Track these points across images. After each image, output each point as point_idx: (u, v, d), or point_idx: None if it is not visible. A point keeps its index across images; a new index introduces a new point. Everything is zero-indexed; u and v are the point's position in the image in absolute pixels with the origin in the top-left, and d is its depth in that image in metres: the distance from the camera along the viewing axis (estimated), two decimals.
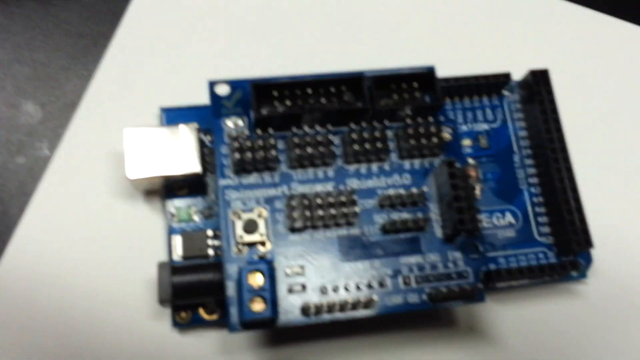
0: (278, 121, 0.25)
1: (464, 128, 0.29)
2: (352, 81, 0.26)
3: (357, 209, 0.25)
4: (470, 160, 0.29)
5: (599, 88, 0.31)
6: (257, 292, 0.22)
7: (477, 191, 0.28)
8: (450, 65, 0.29)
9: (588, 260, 0.28)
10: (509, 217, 0.28)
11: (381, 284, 0.24)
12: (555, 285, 0.28)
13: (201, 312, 0.26)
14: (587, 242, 0.26)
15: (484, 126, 0.29)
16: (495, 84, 0.29)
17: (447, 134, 0.27)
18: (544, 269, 0.26)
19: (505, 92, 0.30)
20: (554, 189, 0.27)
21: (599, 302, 0.28)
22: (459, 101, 0.30)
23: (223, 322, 0.25)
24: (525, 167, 0.29)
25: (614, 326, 0.28)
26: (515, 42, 0.32)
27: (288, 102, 0.25)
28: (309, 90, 0.25)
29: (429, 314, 0.27)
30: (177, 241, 0.26)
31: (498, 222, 0.28)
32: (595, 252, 0.28)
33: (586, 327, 0.27)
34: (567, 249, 0.27)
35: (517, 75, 0.29)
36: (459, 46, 0.31)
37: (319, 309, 0.23)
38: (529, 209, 0.28)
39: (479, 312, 0.27)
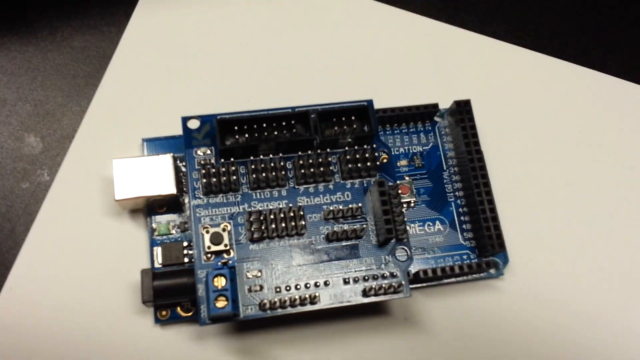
0: (239, 151, 0.29)
1: (402, 150, 0.34)
2: (301, 115, 0.30)
3: (304, 222, 0.29)
4: (407, 178, 0.33)
5: (514, 114, 0.35)
6: (221, 292, 0.26)
7: (412, 204, 0.33)
8: (390, 98, 0.34)
9: (505, 260, 0.32)
10: (439, 225, 0.32)
11: (325, 283, 0.28)
12: (477, 282, 0.32)
13: (178, 310, 0.30)
14: (500, 245, 0.31)
15: (419, 148, 0.34)
16: (426, 112, 0.34)
17: (385, 156, 0.31)
18: (467, 268, 0.31)
19: (437, 119, 0.35)
20: (474, 201, 0.32)
21: (514, 296, 0.32)
22: (397, 127, 0.34)
23: (196, 318, 0.29)
24: (453, 183, 0.33)
25: (526, 316, 0.31)
26: (445, 77, 0.36)
27: (247, 135, 0.29)
28: (264, 124, 0.29)
29: (369, 308, 0.31)
30: (158, 251, 0.30)
31: (429, 230, 0.32)
32: (511, 254, 0.32)
33: (503, 317, 0.31)
34: (485, 250, 0.32)
35: (446, 104, 0.34)
36: (398, 82, 0.35)
37: (273, 305, 0.27)
38: (455, 218, 0.32)
39: (412, 305, 0.31)
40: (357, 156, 0.30)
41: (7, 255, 0.31)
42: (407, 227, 0.31)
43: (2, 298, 0.29)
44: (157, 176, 0.30)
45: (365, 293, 0.28)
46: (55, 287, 0.30)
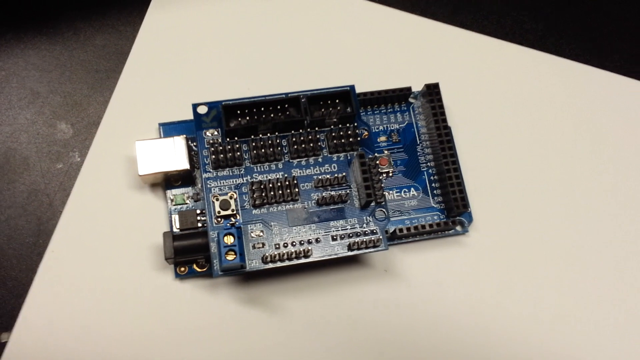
0: (241, 131, 0.34)
1: (381, 128, 0.39)
2: (293, 100, 0.35)
3: (298, 190, 0.34)
4: (385, 152, 0.39)
5: (479, 94, 0.40)
6: (230, 247, 0.32)
7: (390, 173, 0.38)
8: (371, 82, 0.38)
9: (469, 219, 0.37)
10: (413, 191, 0.37)
11: (317, 240, 0.34)
12: (446, 238, 0.37)
13: (194, 266, 0.35)
14: (464, 206, 0.36)
15: (396, 126, 0.39)
16: (402, 95, 0.39)
17: (366, 133, 0.37)
18: (436, 226, 0.36)
19: (411, 100, 0.40)
20: (442, 170, 0.37)
21: (477, 250, 0.37)
22: (377, 108, 0.39)
23: (209, 273, 0.34)
24: (425, 155, 0.38)
25: (488, 267, 0.37)
26: (418, 63, 0.41)
27: (248, 117, 0.34)
28: (262, 108, 0.34)
29: (354, 260, 0.36)
30: (176, 218, 0.35)
31: (405, 195, 0.37)
32: (475, 214, 0.37)
33: (468, 268, 0.36)
34: (452, 211, 0.37)
35: (419, 87, 0.39)
36: (377, 69, 0.40)
37: (273, 259, 0.32)
38: (427, 184, 0.37)
39: (391, 258, 0.36)
40: (342, 133, 0.35)
41: (48, 225, 0.36)
42: (386, 193, 0.37)
43: (46, 258, 0.35)
44: (173, 154, 0.35)
45: (350, 247, 0.33)
46: (90, 250, 0.35)
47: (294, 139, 0.35)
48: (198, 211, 0.36)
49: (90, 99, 0.39)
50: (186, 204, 0.36)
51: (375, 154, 0.36)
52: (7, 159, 0.37)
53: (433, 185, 0.38)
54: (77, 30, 0.40)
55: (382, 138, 0.38)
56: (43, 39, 0.40)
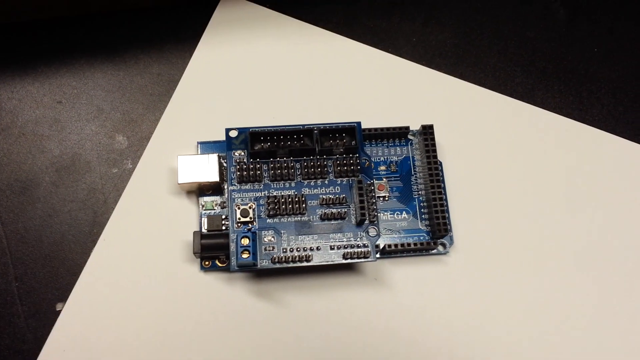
0: (263, 154, 0.41)
1: (382, 158, 0.45)
2: (307, 131, 0.41)
3: (306, 205, 0.40)
4: (384, 179, 0.45)
5: (468, 135, 0.46)
6: (245, 248, 0.38)
7: (386, 197, 0.45)
8: (377, 120, 0.45)
9: (451, 242, 0.43)
10: (404, 214, 0.43)
11: (317, 248, 0.40)
12: (430, 256, 0.43)
13: (217, 262, 0.41)
14: (445, 230, 0.42)
15: (395, 158, 0.45)
16: (401, 132, 0.45)
17: (367, 162, 0.44)
18: (421, 245, 0.42)
19: (410, 137, 0.47)
20: (430, 198, 0.44)
21: (456, 268, 0.42)
22: (380, 142, 0.45)
23: (228, 268, 0.41)
24: (417, 184, 0.44)
25: (464, 285, 0.42)
26: (419, 106, 0.47)
27: (269, 143, 0.41)
28: (282, 136, 0.41)
29: (348, 268, 0.42)
30: (205, 220, 0.41)
31: (397, 217, 0.43)
32: (456, 238, 0.43)
33: (447, 283, 0.42)
34: (435, 234, 0.43)
35: (417, 126, 0.46)
36: (383, 110, 0.46)
37: (280, 260, 0.39)
38: (417, 209, 0.43)
39: (381, 269, 0.42)
40: (345, 162, 0.41)
41: (102, 218, 0.44)
42: (381, 214, 0.43)
43: (98, 245, 0.43)
44: (207, 168, 0.42)
45: (344, 256, 0.39)
46: (134, 241, 0.42)
47: (305, 164, 0.42)
48: (223, 216, 0.42)
49: (144, 118, 0.47)
50: (214, 209, 0.42)
51: (374, 181, 0.43)
52: (73, 162, 0.45)
53: (422, 210, 0.44)
54: (138, 60, 0.48)
55: (382, 167, 0.45)
56: (110, 65, 0.48)
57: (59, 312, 0.41)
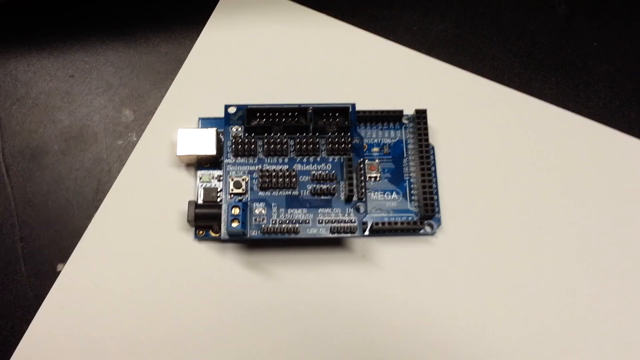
0: (259, 129, 0.43)
1: (376, 140, 0.46)
2: (302, 109, 0.43)
3: (297, 180, 0.42)
4: (376, 160, 0.46)
5: (460, 119, 0.47)
6: (235, 217, 0.40)
7: (378, 178, 0.46)
8: (373, 103, 0.46)
9: (438, 223, 0.44)
10: (395, 195, 0.45)
11: (306, 222, 0.41)
12: (418, 237, 0.44)
13: (210, 231, 0.43)
14: (432, 211, 0.43)
15: (388, 140, 0.46)
16: (396, 115, 0.46)
17: (357, 141, 0.45)
18: (409, 224, 0.43)
19: (404, 121, 0.48)
20: (419, 180, 0.45)
21: (442, 249, 0.43)
22: (375, 124, 0.46)
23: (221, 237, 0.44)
24: (409, 166, 0.45)
25: (448, 264, 0.43)
26: (415, 91, 0.48)
27: (265, 119, 0.43)
28: (277, 114, 0.43)
29: (338, 244, 0.43)
30: (201, 192, 0.43)
31: (387, 197, 0.45)
32: (444, 219, 0.44)
33: (432, 263, 0.43)
34: (423, 214, 0.45)
35: (411, 110, 0.47)
36: (380, 93, 0.48)
37: (269, 231, 0.41)
38: (407, 191, 0.45)
39: (369, 247, 0.43)
40: (338, 140, 0.43)
41: (105, 186, 0.46)
42: (371, 194, 0.45)
43: (100, 211, 0.45)
44: (205, 142, 0.44)
45: (331, 230, 0.41)
46: (133, 208, 0.44)
47: (299, 141, 0.43)
48: (219, 189, 0.44)
49: (150, 94, 0.49)
50: (211, 182, 0.44)
51: (366, 160, 0.45)
52: (82, 132, 0.47)
53: (412, 192, 0.45)
54: (147, 39, 0.50)
55: (375, 149, 0.46)
56: (121, 43, 0.50)
57: (59, 272, 0.43)
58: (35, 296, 0.43)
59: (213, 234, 0.44)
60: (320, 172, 0.43)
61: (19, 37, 0.50)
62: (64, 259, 0.44)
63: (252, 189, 0.42)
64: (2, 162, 0.47)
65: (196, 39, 0.50)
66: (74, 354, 0.41)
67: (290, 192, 0.42)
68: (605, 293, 0.43)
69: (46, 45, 0.50)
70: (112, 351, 0.41)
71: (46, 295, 0.43)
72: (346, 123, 0.43)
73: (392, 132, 0.47)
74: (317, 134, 0.43)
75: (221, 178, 0.45)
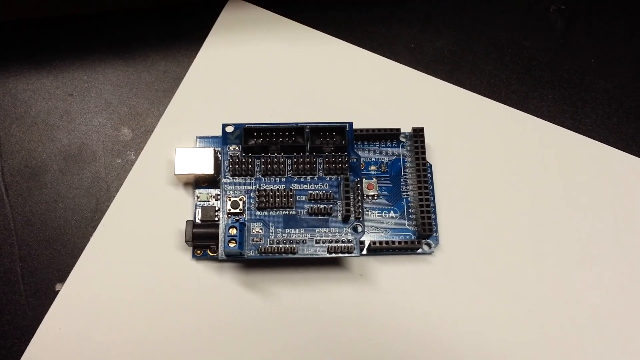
0: (256, 149, 0.43)
1: (373, 159, 0.46)
2: (299, 129, 0.43)
3: (294, 200, 0.42)
4: (374, 178, 0.47)
5: (457, 138, 0.47)
6: (232, 237, 0.40)
7: (375, 197, 0.46)
8: (372, 121, 0.47)
9: (436, 242, 0.44)
10: (392, 214, 0.45)
11: (303, 241, 0.42)
12: (415, 256, 0.44)
13: (208, 251, 0.42)
14: (429, 230, 0.43)
15: (386, 158, 0.46)
16: (393, 134, 0.46)
17: (354, 160, 0.45)
18: (407, 243, 0.43)
19: (402, 139, 0.48)
20: (417, 199, 0.45)
21: (440, 268, 0.43)
22: (372, 142, 0.47)
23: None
24: (407, 185, 0.45)
25: (447, 283, 0.43)
26: (411, 110, 0.48)
27: (262, 139, 0.43)
28: (274, 133, 0.43)
29: (335, 263, 0.43)
30: (199, 211, 0.43)
31: (385, 216, 0.45)
32: (442, 238, 0.44)
33: (430, 283, 0.43)
34: (421, 233, 0.45)
35: (409, 128, 0.47)
36: (377, 111, 0.48)
37: (267, 251, 0.41)
38: (405, 209, 0.45)
39: (367, 266, 0.43)
40: (335, 160, 0.43)
41: (103, 205, 0.46)
42: (369, 213, 0.45)
43: (98, 230, 0.45)
44: (203, 161, 0.44)
45: (329, 250, 0.41)
46: (132, 228, 0.44)
47: (296, 160, 0.43)
48: (217, 208, 0.44)
49: (149, 112, 0.49)
50: (209, 201, 0.45)
51: (363, 179, 0.45)
52: (80, 151, 0.48)
53: (410, 210, 0.45)
54: (146, 57, 0.51)
55: (373, 167, 0.46)
56: (120, 62, 0.50)
57: (58, 292, 0.43)
58: (33, 316, 0.43)
59: (211, 254, 0.44)
60: (317, 191, 0.43)
61: (18, 56, 0.51)
62: (62, 278, 0.44)
63: (249, 208, 0.42)
64: (2, 181, 0.47)
65: (194, 57, 0.50)
66: None
67: (287, 212, 0.42)
68: (608, 307, 0.43)
69: (45, 64, 0.50)
70: None
71: (45, 315, 0.43)
72: (343, 142, 0.44)
73: (389, 150, 0.47)
74: (314, 153, 0.44)
75: (219, 197, 0.45)
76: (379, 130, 0.46)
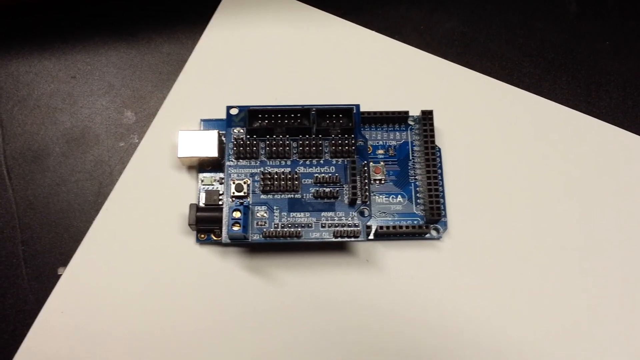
0: (261, 131, 0.42)
1: (381, 142, 0.45)
2: (305, 111, 0.42)
3: (300, 183, 0.41)
4: (381, 162, 0.46)
5: (467, 121, 0.46)
6: (236, 220, 0.39)
7: (383, 181, 0.45)
8: (380, 104, 0.46)
9: (445, 227, 0.43)
10: (400, 198, 0.44)
11: (308, 225, 0.41)
12: (423, 241, 0.43)
13: (212, 235, 0.42)
14: (438, 215, 0.42)
15: (394, 142, 0.45)
16: (401, 117, 0.45)
17: (361, 143, 0.44)
18: (414, 228, 0.42)
19: (410, 122, 0.47)
20: (425, 183, 0.44)
21: (449, 254, 0.43)
22: (380, 125, 0.46)
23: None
24: (415, 169, 0.44)
25: (455, 269, 0.42)
26: (421, 92, 0.47)
27: (267, 121, 0.43)
28: (279, 115, 0.42)
29: (342, 248, 0.42)
30: (203, 195, 0.42)
31: (392, 200, 0.44)
32: (450, 224, 0.44)
33: (438, 268, 0.42)
34: (429, 218, 0.44)
35: (417, 111, 0.46)
36: (386, 94, 0.47)
37: (271, 235, 0.40)
38: (413, 194, 0.44)
39: (373, 251, 0.43)
40: (341, 143, 0.42)
41: (106, 189, 0.45)
42: (376, 197, 0.44)
43: (101, 214, 0.44)
44: (207, 144, 0.43)
45: (334, 235, 0.40)
46: (135, 211, 0.44)
47: (301, 142, 0.42)
48: (221, 192, 0.43)
49: (152, 95, 0.48)
50: (213, 185, 0.44)
51: (370, 162, 0.44)
52: (83, 134, 0.47)
53: (417, 195, 0.44)
54: (150, 40, 0.50)
55: (381, 151, 0.45)
56: (123, 44, 0.50)
57: (60, 275, 0.43)
58: (36, 300, 0.43)
59: (215, 238, 0.43)
60: (323, 174, 0.42)
61: (20, 38, 0.50)
62: (65, 262, 0.43)
63: (253, 191, 0.42)
64: (4, 164, 0.46)
65: (198, 39, 0.49)
66: (75, 357, 0.41)
67: (292, 195, 0.42)
68: (616, 296, 0.42)
69: (48, 47, 0.49)
70: (113, 355, 0.41)
71: (47, 299, 0.42)
72: (350, 125, 0.43)
73: (397, 133, 0.46)
74: (320, 135, 0.43)
75: (223, 180, 0.44)
76: (387, 113, 0.45)
